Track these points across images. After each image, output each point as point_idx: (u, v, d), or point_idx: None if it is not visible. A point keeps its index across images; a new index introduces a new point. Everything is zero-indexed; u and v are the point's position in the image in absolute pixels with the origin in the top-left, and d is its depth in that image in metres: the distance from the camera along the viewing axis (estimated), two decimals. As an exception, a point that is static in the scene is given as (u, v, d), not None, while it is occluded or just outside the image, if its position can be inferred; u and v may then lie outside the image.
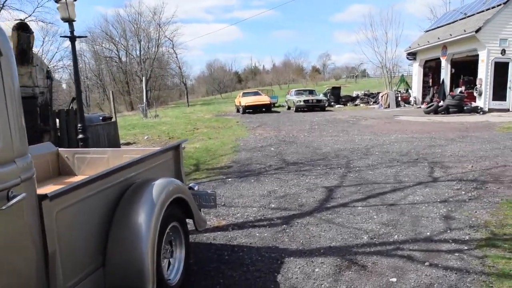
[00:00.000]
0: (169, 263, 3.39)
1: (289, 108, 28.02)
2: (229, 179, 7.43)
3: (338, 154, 9.48)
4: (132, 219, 2.85)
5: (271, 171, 7.99)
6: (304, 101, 25.07)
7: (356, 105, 29.91)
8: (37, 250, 2.20)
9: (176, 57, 56.16)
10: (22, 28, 8.26)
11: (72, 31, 8.32)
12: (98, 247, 2.75)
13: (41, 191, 2.28)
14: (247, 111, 25.55)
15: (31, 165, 2.20)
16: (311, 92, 28.33)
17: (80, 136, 8.64)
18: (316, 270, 3.74)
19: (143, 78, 34.36)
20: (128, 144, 13.60)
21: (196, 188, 4.05)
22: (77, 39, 8.77)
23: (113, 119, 13.23)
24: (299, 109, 25.25)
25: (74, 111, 9.99)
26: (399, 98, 26.93)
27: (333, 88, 32.91)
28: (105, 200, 2.85)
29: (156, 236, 2.87)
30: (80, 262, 2.58)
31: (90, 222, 2.69)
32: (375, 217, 5.07)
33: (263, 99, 26.98)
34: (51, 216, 2.29)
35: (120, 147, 12.40)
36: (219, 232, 4.78)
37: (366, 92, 33.51)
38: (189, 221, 3.71)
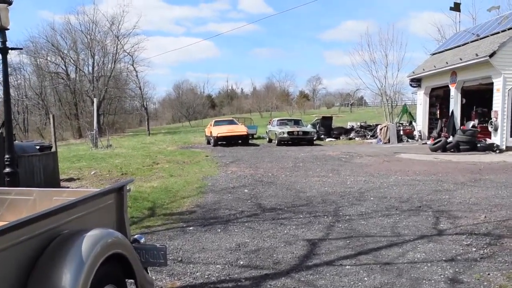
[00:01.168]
0: (102, 338, 3.22)
1: (270, 140, 28.19)
2: (190, 228, 7.29)
3: (325, 199, 9.45)
4: (53, 281, 2.70)
5: (243, 219, 7.88)
6: (289, 132, 25.24)
7: (350, 139, 30.27)
8: None
9: (137, 75, 56.23)
10: None
11: (4, 41, 8.21)
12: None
13: None
14: (219, 143, 25.51)
15: None
16: (297, 122, 28.62)
17: (7, 170, 8.40)
18: None
19: (95, 100, 34.10)
20: (70, 180, 13.34)
21: (142, 240, 3.94)
22: (11, 51, 8.66)
23: (53, 149, 13.01)
24: (282, 142, 25.40)
25: (3, 138, 9.76)
26: (401, 132, 27.38)
27: (324, 118, 33.31)
28: (19, 257, 2.70)
29: (84, 304, 2.72)
30: None
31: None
32: (366, 279, 4.98)
33: (240, 129, 27.07)
34: None
35: (59, 184, 12.16)
36: (171, 296, 4.62)
37: (362, 124, 34.01)
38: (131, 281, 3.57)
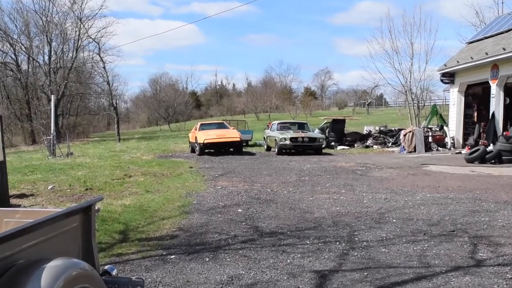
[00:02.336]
0: None
1: (269, 148, 28.26)
2: (172, 256, 7.29)
3: (337, 221, 9.46)
4: (6, 324, 2.71)
5: (236, 245, 7.88)
6: (292, 139, 25.31)
7: (367, 146, 30.37)
8: None
9: (104, 67, 56.29)
10: None
11: None
12: None
13: None
14: (206, 151, 25.66)
15: None
16: (301, 126, 28.72)
17: None
18: None
19: (53, 97, 34.01)
20: (22, 196, 13.31)
21: (114, 272, 3.93)
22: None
23: (1, 158, 13.00)
24: (283, 150, 25.51)
25: None
26: (430, 139, 27.44)
27: (335, 121, 33.39)
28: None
29: None
30: None
31: None
32: (388, 320, 5.00)
33: (231, 134, 27.12)
34: None
35: (8, 201, 12.13)
36: None
37: (382, 129, 34.09)
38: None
